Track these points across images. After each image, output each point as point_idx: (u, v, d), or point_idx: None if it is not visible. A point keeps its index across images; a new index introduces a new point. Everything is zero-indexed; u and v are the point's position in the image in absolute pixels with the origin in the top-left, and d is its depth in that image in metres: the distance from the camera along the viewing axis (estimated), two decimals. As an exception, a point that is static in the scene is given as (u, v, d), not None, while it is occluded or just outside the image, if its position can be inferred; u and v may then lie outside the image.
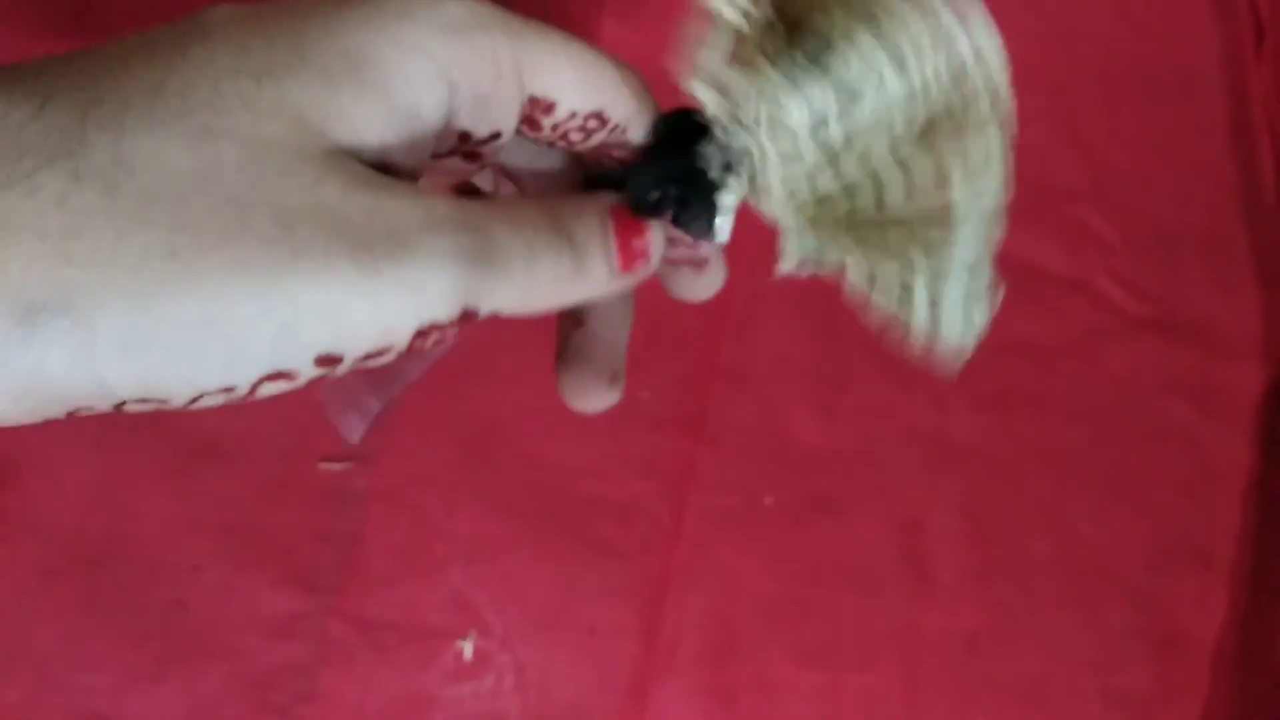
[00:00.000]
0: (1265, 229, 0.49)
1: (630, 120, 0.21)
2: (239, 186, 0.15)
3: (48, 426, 0.32)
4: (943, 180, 0.20)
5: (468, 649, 0.37)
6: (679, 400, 0.41)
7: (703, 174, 0.20)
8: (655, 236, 0.20)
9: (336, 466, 0.36)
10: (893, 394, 0.43)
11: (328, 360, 0.16)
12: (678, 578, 0.40)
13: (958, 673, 0.43)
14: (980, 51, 0.20)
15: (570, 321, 0.24)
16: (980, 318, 0.21)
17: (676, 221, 0.21)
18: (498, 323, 0.18)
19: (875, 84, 0.19)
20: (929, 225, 0.20)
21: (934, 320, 0.21)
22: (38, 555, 0.33)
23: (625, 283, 0.20)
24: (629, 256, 0.20)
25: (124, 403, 0.16)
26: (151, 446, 0.34)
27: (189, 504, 0.34)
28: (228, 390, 0.16)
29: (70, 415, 0.17)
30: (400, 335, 0.16)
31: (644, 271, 0.20)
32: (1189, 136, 0.48)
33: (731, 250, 0.23)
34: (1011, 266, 0.45)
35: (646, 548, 0.39)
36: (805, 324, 0.43)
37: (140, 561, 0.33)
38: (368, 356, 0.16)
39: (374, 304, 0.16)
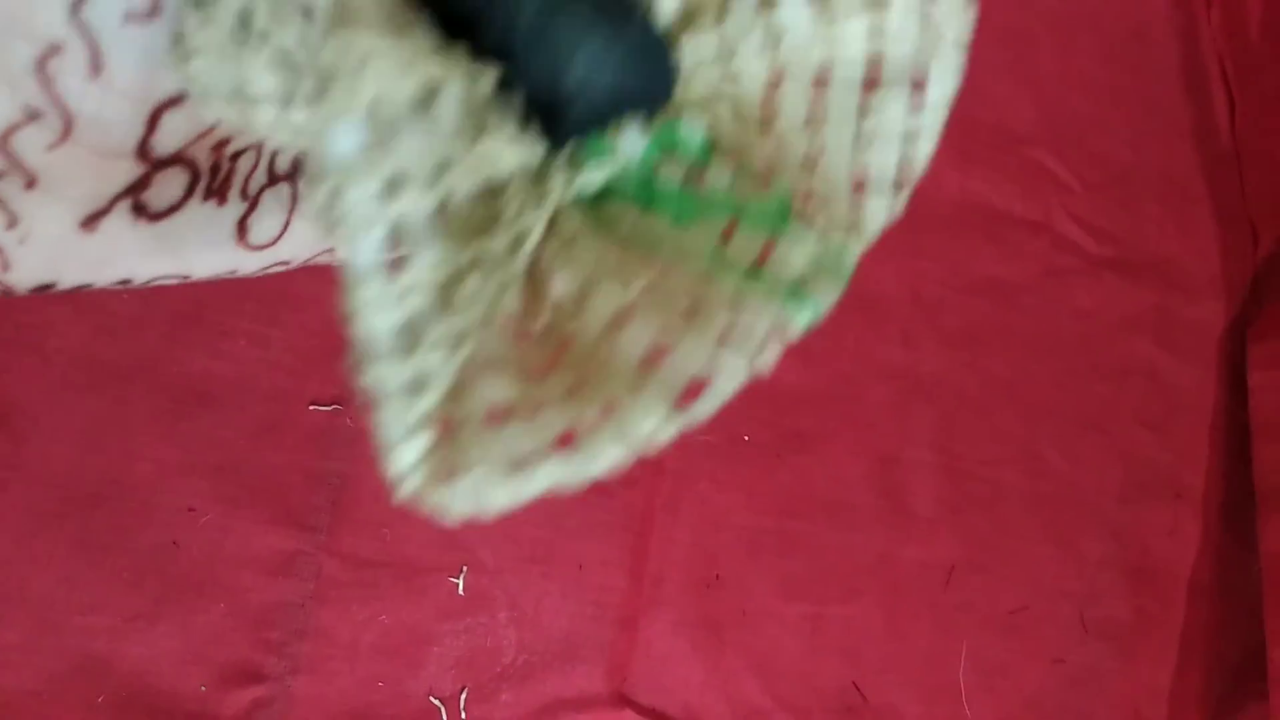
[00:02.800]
0: (1221, 169, 0.50)
1: None
2: None
3: (40, 371, 0.33)
4: None
5: (460, 584, 0.37)
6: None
7: None
8: None
9: (326, 408, 0.36)
10: (864, 333, 0.44)
11: None
12: (662, 513, 0.40)
13: (936, 603, 0.44)
14: None
15: None
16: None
17: None
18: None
19: None
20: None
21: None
22: (33, 499, 0.33)
23: None
24: None
25: None
26: (144, 392, 0.34)
27: (182, 447, 0.34)
28: None
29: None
30: None
31: None
32: (1143, 81, 0.49)
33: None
34: (973, 208, 0.47)
35: (631, 484, 0.40)
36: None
37: (135, 504, 0.34)
38: None
39: None
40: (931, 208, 0.45)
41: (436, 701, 0.37)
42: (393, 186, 0.13)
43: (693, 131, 0.17)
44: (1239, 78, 0.49)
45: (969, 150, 0.46)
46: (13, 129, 0.16)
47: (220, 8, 0.14)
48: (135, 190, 0.19)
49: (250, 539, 0.35)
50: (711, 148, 0.17)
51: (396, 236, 0.13)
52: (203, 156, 0.18)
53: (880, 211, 0.17)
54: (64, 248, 0.19)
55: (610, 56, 0.15)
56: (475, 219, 0.15)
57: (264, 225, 0.21)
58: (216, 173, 0.19)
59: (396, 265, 0.14)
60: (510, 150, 0.15)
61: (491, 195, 0.15)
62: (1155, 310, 0.48)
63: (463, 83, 0.14)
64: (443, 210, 0.14)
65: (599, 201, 0.17)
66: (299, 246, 0.22)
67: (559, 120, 0.15)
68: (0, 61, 0.15)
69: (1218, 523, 0.49)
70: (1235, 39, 0.49)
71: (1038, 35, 0.48)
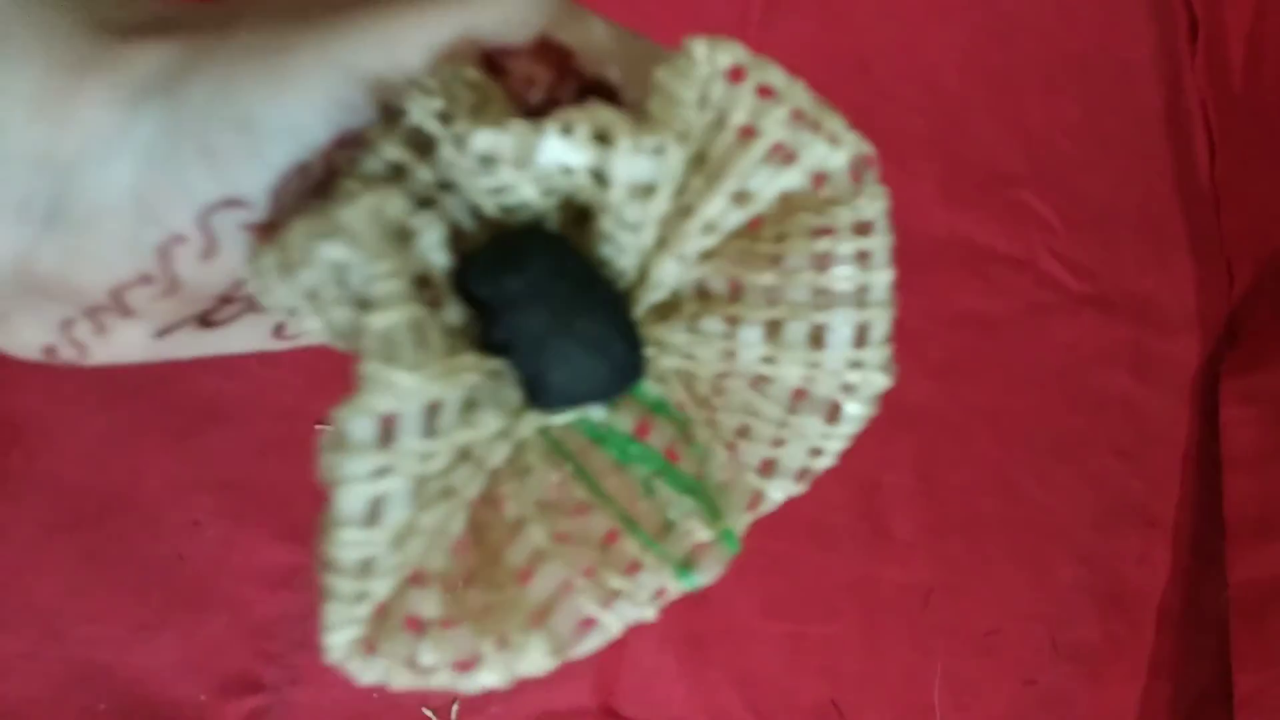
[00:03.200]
0: (1199, 208, 0.51)
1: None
2: None
3: (53, 387, 0.34)
4: None
5: (454, 600, 0.38)
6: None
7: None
8: None
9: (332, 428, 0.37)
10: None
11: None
12: (651, 534, 0.41)
13: (914, 624, 0.45)
14: None
15: None
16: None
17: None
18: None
19: None
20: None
21: None
22: (42, 511, 0.34)
23: None
24: None
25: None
26: (154, 408, 0.35)
27: (190, 462, 0.35)
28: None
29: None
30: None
31: None
32: (1125, 123, 0.50)
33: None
34: (959, 245, 0.48)
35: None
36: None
37: (142, 517, 0.34)
38: None
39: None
40: (919, 244, 0.46)
41: (429, 712, 0.38)
42: (384, 471, 0.16)
43: (651, 391, 0.21)
44: (1220, 121, 0.51)
45: (956, 189, 0.47)
46: (125, 287, 0.20)
47: (297, 281, 0.17)
48: (205, 314, 0.22)
49: (254, 553, 0.36)
50: (664, 403, 0.21)
51: (379, 502, 0.16)
52: None
53: (780, 493, 0.21)
54: (136, 348, 0.22)
55: (588, 377, 0.18)
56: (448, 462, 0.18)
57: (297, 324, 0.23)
58: None
59: (372, 518, 0.17)
60: (496, 422, 0.18)
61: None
62: (1132, 345, 0.49)
63: (475, 384, 0.17)
64: (422, 476, 0.17)
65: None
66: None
67: (539, 400, 0.18)
68: (131, 239, 0.19)
69: (1187, 551, 0.50)
70: (1217, 84, 0.50)
71: (1025, 78, 0.49)
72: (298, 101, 0.18)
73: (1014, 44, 0.49)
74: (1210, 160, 0.51)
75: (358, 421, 0.16)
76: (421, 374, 0.16)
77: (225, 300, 0.22)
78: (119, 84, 0.18)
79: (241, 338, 0.23)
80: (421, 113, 0.17)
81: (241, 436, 0.36)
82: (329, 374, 0.37)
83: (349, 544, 0.16)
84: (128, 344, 0.22)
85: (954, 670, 0.45)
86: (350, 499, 0.16)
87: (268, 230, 0.19)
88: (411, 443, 0.16)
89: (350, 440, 0.16)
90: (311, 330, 0.19)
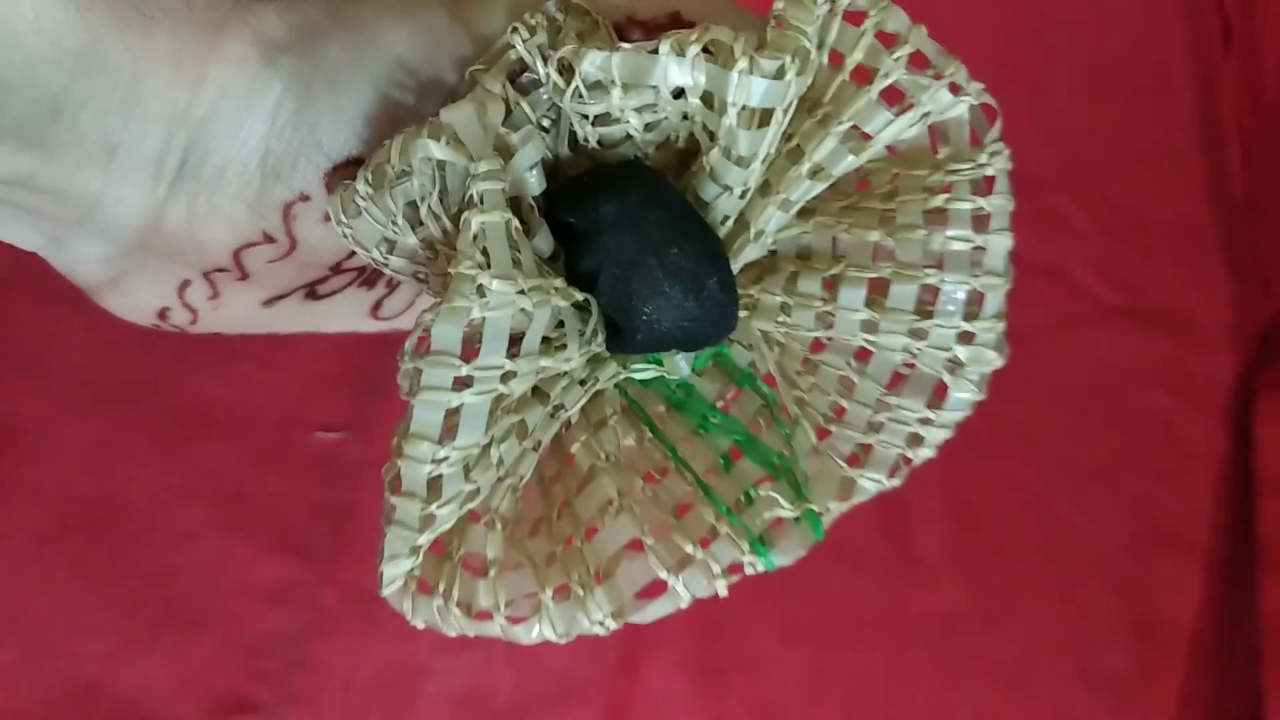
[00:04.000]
0: (1234, 221, 0.50)
1: None
2: None
3: (47, 392, 0.33)
4: None
5: (459, 620, 0.37)
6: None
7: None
8: None
9: (331, 436, 0.36)
10: (876, 376, 0.44)
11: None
12: (666, 553, 0.40)
13: (941, 652, 0.44)
14: None
15: None
16: None
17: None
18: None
19: None
20: None
21: None
22: (32, 521, 0.33)
23: None
24: None
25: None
26: (148, 414, 0.35)
27: (183, 472, 0.35)
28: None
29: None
30: None
31: None
32: (1160, 130, 0.50)
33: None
34: (990, 251, 0.47)
35: (636, 522, 0.40)
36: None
37: (134, 528, 0.34)
38: None
39: None
40: (948, 252, 0.45)
41: (429, 737, 0.37)
42: (464, 383, 0.16)
43: (740, 358, 0.20)
44: (1254, 131, 0.50)
45: (986, 195, 0.47)
46: (247, 245, 0.21)
47: (393, 194, 0.17)
48: (314, 284, 0.23)
49: (249, 567, 0.35)
50: (750, 375, 0.20)
51: (456, 415, 0.16)
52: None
53: (871, 488, 0.20)
54: (243, 316, 0.23)
55: (677, 312, 0.17)
56: (523, 396, 0.18)
57: (394, 303, 0.25)
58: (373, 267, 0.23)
59: (447, 433, 0.16)
60: (579, 356, 0.18)
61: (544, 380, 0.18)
62: (1168, 361, 0.48)
63: (561, 309, 0.17)
64: (500, 399, 0.17)
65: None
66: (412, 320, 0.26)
67: (623, 338, 0.18)
68: (258, 197, 0.20)
69: (1220, 577, 0.49)
70: (1251, 93, 0.50)
71: (1059, 77, 0.49)
72: (426, 55, 0.19)
73: (1048, 46, 0.48)
74: (1244, 170, 0.51)
75: (444, 327, 0.16)
76: (511, 283, 0.16)
77: (336, 270, 0.23)
78: (254, 42, 0.19)
79: (340, 314, 0.25)
80: (526, 47, 0.17)
81: (237, 445, 0.35)
82: (327, 382, 0.37)
83: (421, 459, 0.16)
84: (236, 310, 0.23)
85: (983, 700, 0.44)
86: (428, 409, 0.16)
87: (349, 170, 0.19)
88: (494, 356, 0.16)
89: (436, 345, 0.16)
90: (396, 268, 0.19)
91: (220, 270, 0.22)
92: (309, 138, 0.19)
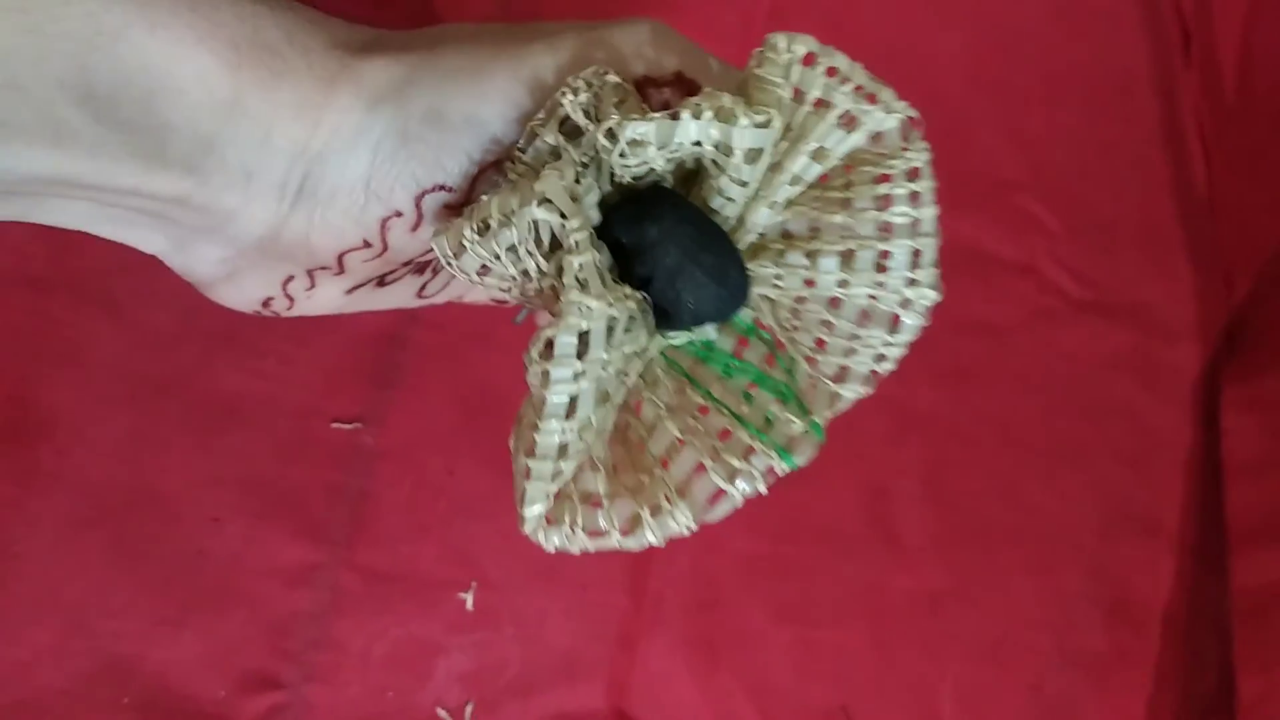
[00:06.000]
0: (1196, 219, 0.52)
1: None
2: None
3: (84, 385, 0.35)
4: None
5: (469, 600, 0.39)
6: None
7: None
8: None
9: (347, 426, 0.38)
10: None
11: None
12: (662, 536, 0.42)
13: (922, 630, 0.45)
14: None
15: None
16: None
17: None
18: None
19: None
20: None
21: None
22: (68, 507, 0.34)
23: None
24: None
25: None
26: (178, 406, 0.36)
27: (211, 460, 0.36)
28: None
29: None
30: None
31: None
32: (1124, 133, 0.51)
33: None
34: (964, 251, 0.49)
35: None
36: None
37: (165, 514, 0.35)
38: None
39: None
40: (924, 251, 0.46)
41: (443, 712, 0.38)
42: (580, 375, 0.22)
43: (744, 316, 0.26)
44: (1214, 133, 0.51)
45: (961, 196, 0.48)
46: (349, 250, 0.26)
47: (497, 240, 0.22)
48: (385, 276, 0.28)
49: (272, 550, 0.36)
50: (754, 328, 0.26)
51: (575, 400, 0.22)
52: None
53: (852, 395, 0.26)
54: (329, 301, 0.28)
55: (712, 298, 0.23)
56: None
57: (434, 285, 0.30)
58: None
59: (570, 411, 0.22)
60: (645, 339, 0.24)
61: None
62: (1134, 352, 0.50)
63: (631, 309, 0.23)
64: (598, 380, 0.22)
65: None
66: (447, 296, 0.31)
67: (671, 320, 0.24)
68: (360, 214, 0.25)
69: (1191, 558, 0.50)
70: (1211, 97, 0.51)
71: (1027, 90, 0.50)
72: (493, 108, 0.24)
73: (1015, 54, 0.50)
74: (1206, 171, 0.52)
75: (565, 338, 0.21)
76: (604, 300, 0.22)
77: (404, 264, 0.27)
78: (359, 94, 0.24)
79: (396, 295, 0.29)
80: (572, 107, 0.23)
81: (261, 435, 0.36)
82: (343, 376, 0.38)
83: (553, 432, 0.22)
84: (326, 298, 0.27)
85: (963, 676, 0.45)
86: (558, 397, 0.22)
87: (452, 209, 0.25)
88: (598, 352, 0.22)
89: (559, 352, 0.21)
90: (488, 285, 0.24)
91: (323, 268, 0.26)
92: (403, 169, 0.24)
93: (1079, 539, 0.48)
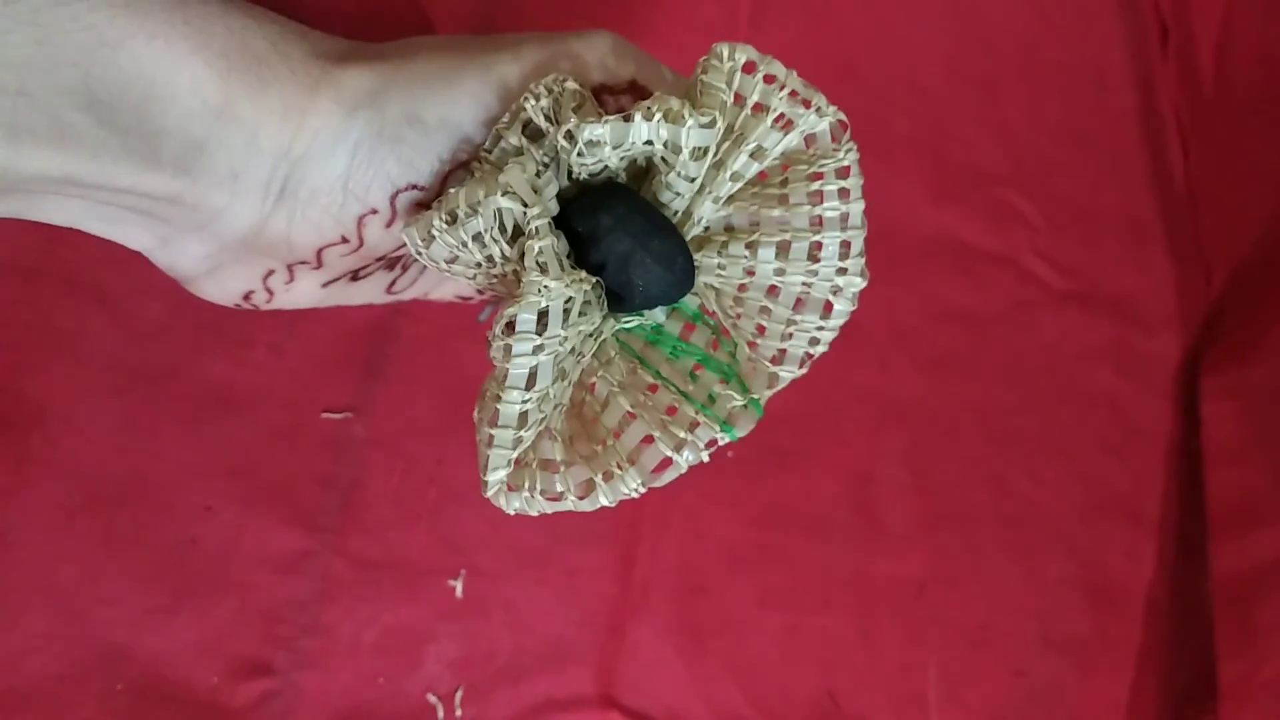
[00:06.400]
0: (1175, 210, 0.52)
1: None
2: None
3: (74, 374, 0.35)
4: None
5: (459, 587, 0.39)
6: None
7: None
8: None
9: (337, 416, 0.38)
10: (843, 358, 0.46)
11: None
12: (650, 524, 0.42)
13: (906, 616, 0.46)
14: None
15: None
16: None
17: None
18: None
19: None
20: None
21: None
22: (60, 496, 0.34)
23: None
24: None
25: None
26: (169, 395, 0.36)
27: (202, 449, 0.36)
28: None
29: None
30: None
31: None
32: (1103, 126, 0.52)
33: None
34: (945, 243, 0.50)
35: (621, 494, 0.41)
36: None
37: (157, 502, 0.35)
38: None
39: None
40: (907, 241, 0.47)
41: (433, 699, 0.39)
42: (539, 349, 0.24)
43: (691, 303, 0.28)
44: (1192, 126, 0.52)
45: (942, 188, 0.48)
46: (327, 245, 0.27)
47: (464, 229, 0.24)
48: (358, 271, 0.29)
49: (263, 538, 0.37)
50: (699, 314, 0.29)
51: (535, 372, 0.24)
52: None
53: (789, 375, 0.28)
54: (306, 294, 0.29)
55: (661, 282, 0.25)
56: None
57: (403, 282, 0.31)
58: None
59: (530, 383, 0.24)
60: (598, 319, 0.26)
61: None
62: (1114, 342, 0.50)
63: (586, 290, 0.24)
64: (557, 354, 0.24)
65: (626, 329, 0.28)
66: (414, 293, 0.33)
67: (623, 303, 0.26)
68: (339, 212, 0.26)
69: (1172, 544, 0.50)
70: (1189, 89, 0.52)
71: (1007, 83, 0.50)
72: (464, 112, 0.26)
73: (995, 49, 0.50)
74: (1184, 163, 0.53)
75: (525, 315, 0.23)
76: (561, 281, 0.24)
77: (377, 259, 0.29)
78: (339, 99, 0.25)
79: (366, 291, 0.30)
80: (534, 111, 0.25)
81: (251, 424, 0.37)
82: (332, 367, 0.39)
83: (514, 402, 0.24)
84: (303, 291, 0.29)
85: (947, 661, 0.46)
86: (518, 369, 0.24)
87: (424, 207, 0.26)
88: (556, 329, 0.24)
89: (520, 328, 0.23)
90: (455, 272, 0.26)
91: (302, 263, 0.28)
92: (379, 170, 0.25)
93: (1061, 526, 0.49)
